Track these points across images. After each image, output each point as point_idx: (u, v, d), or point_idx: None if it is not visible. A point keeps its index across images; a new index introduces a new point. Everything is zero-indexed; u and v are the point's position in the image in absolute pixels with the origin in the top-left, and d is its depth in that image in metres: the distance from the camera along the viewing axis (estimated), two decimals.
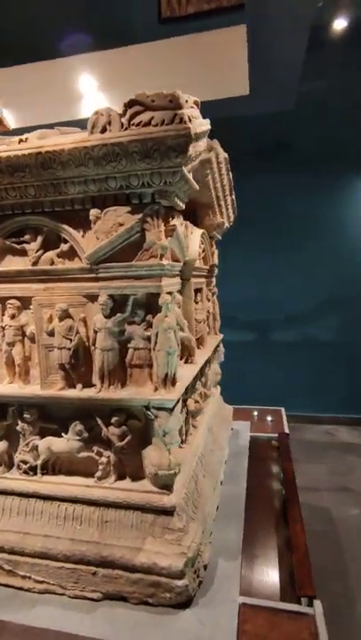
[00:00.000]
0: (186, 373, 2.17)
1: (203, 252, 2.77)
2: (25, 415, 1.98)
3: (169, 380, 1.81)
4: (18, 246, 1.94)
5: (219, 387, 3.64)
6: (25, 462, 2.04)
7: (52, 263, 1.92)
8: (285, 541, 2.22)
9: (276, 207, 6.29)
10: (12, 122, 5.57)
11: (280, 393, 5.40)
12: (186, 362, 2.37)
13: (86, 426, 1.94)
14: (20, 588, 1.90)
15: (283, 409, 4.23)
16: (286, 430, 3.71)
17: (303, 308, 6.66)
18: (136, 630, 1.66)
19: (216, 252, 3.29)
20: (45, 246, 1.93)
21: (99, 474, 1.95)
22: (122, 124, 1.55)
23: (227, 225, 3.45)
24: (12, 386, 2.04)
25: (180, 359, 2.34)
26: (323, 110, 5.77)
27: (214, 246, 3.23)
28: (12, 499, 2.03)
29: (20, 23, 4.79)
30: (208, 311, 3.07)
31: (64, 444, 1.97)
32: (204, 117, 1.80)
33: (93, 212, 1.75)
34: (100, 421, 1.90)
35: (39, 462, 2.01)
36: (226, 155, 2.83)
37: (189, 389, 2.34)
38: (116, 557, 1.80)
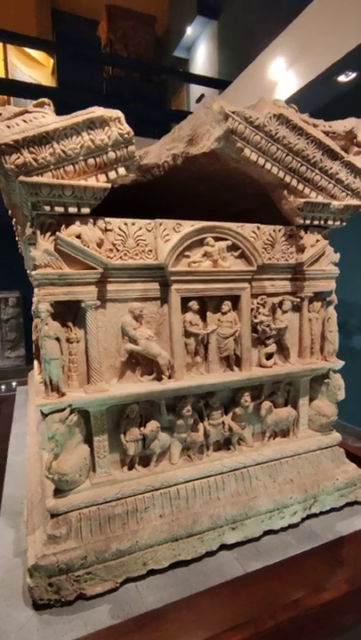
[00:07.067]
0: (121, 389, 1.98)
1: (247, 249, 2.15)
2: None
3: (48, 387, 1.83)
4: None
5: (336, 433, 2.58)
6: None
7: None
8: None
9: None
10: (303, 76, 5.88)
11: None
12: (157, 379, 2.08)
13: None
14: None
15: None
16: None
17: None
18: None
19: (314, 247, 2.33)
20: None
21: None
22: None
23: (346, 204, 2.37)
24: None
25: (148, 374, 2.11)
26: None
27: (304, 238, 2.32)
28: None
29: None
30: (267, 326, 2.29)
31: None
32: None
33: None
34: None
35: None
36: (277, 111, 2.09)
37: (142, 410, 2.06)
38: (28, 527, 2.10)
